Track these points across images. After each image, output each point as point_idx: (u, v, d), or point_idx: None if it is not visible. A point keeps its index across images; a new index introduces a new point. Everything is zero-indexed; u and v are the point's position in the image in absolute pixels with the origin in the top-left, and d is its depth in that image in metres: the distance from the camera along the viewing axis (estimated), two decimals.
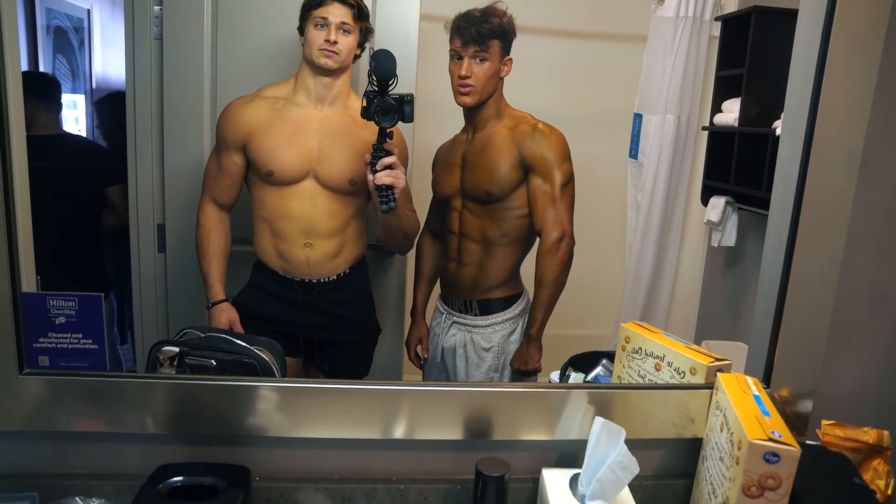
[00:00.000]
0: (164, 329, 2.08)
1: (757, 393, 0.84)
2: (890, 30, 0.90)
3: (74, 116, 3.08)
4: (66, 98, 2.88)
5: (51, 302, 0.82)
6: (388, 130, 1.44)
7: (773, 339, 0.95)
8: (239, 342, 1.11)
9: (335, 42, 1.54)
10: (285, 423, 0.92)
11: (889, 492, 0.89)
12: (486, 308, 1.73)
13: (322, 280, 1.67)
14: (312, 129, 1.61)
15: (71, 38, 3.29)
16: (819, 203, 0.94)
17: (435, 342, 1.83)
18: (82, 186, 2.43)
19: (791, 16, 2.03)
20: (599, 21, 2.59)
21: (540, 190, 1.62)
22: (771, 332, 0.95)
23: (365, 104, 1.42)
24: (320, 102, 1.61)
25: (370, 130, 1.47)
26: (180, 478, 0.82)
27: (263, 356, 1.09)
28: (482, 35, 1.56)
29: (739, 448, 0.75)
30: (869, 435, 0.90)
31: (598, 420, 0.86)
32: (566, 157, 1.63)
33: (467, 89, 1.60)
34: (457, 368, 1.77)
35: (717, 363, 0.94)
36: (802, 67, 0.95)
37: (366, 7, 1.60)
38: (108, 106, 2.71)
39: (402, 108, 1.42)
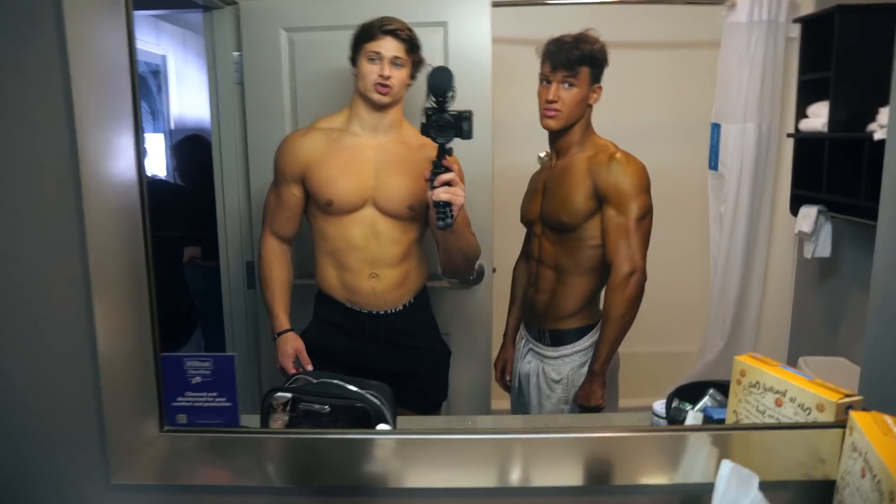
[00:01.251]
0: (255, 364, 2.15)
1: None
2: None
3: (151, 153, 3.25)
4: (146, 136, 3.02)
5: (187, 363, 0.87)
6: (446, 147, 1.45)
7: None
8: (350, 387, 1.13)
9: (388, 77, 1.57)
10: (404, 473, 0.94)
11: None
12: (557, 339, 1.72)
13: (389, 311, 1.69)
14: (368, 158, 1.64)
15: (150, 84, 3.48)
16: None
17: (515, 367, 1.84)
18: (168, 229, 2.54)
19: (879, 11, 1.93)
20: (671, 30, 2.56)
21: (613, 221, 1.59)
22: None
23: (424, 121, 1.44)
24: (374, 131, 1.65)
25: (424, 156, 1.50)
26: None
27: (375, 400, 1.11)
28: (571, 61, 1.56)
29: (892, 500, 0.72)
30: None
31: (727, 463, 0.84)
32: (643, 189, 1.59)
33: (553, 112, 1.60)
34: (530, 397, 1.77)
35: (846, 399, 0.90)
36: None
37: (418, 40, 1.61)
38: (186, 148, 2.81)
39: (460, 125, 1.43)
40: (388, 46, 1.57)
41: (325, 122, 1.70)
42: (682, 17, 2.52)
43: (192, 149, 2.69)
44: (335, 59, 1.95)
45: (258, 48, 2.00)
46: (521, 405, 1.83)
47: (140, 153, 0.86)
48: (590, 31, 1.59)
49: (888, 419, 0.85)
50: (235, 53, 2.03)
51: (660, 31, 2.57)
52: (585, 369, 1.69)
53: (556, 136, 1.66)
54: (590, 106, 1.62)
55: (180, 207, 2.59)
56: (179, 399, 0.88)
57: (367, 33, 1.57)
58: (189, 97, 3.69)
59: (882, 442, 0.79)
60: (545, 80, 1.61)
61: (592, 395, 1.64)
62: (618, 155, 1.60)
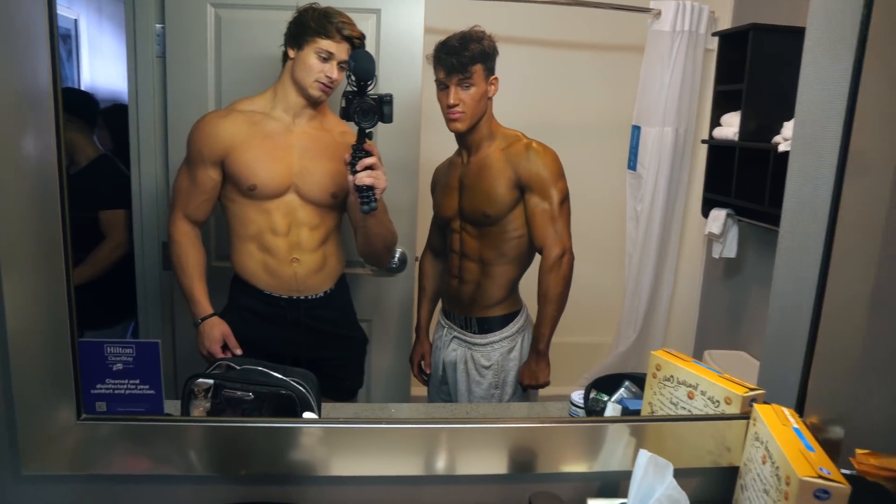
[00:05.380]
0: (169, 348, 2.07)
1: (797, 426, 0.88)
2: None
3: None
4: None
5: (108, 349, 0.83)
6: (367, 131, 1.44)
7: (805, 366, 0.98)
8: (275, 374, 1.12)
9: (335, 80, 1.56)
10: (332, 462, 0.93)
11: None
12: (485, 326, 1.77)
13: (310, 297, 1.68)
14: (292, 144, 1.62)
15: (60, 49, 3.26)
16: (849, 226, 0.93)
17: (436, 356, 1.87)
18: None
19: (789, 32, 2.04)
20: (597, 32, 2.63)
21: (538, 208, 1.65)
22: (804, 359, 0.98)
23: (344, 105, 1.42)
24: (298, 118, 1.62)
25: (347, 143, 1.48)
26: None
27: (300, 388, 1.10)
28: (463, 63, 1.58)
29: (788, 484, 0.79)
30: None
31: (644, 453, 0.89)
32: (561, 174, 1.66)
33: (457, 115, 1.62)
34: (458, 384, 1.81)
35: (751, 393, 0.97)
36: (818, 84, 0.95)
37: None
38: (117, 115, 2.62)
39: (382, 109, 1.42)
40: (343, 51, 1.54)
41: (245, 104, 1.64)
42: (610, 21, 2.59)
43: (115, 121, 2.50)
44: (265, 40, 1.90)
45: (182, 22, 1.91)
46: (442, 393, 1.85)
47: (59, 120, 0.81)
48: (475, 28, 1.61)
49: (786, 411, 0.92)
50: (157, 25, 1.93)
51: (587, 33, 2.64)
52: (513, 354, 1.75)
53: (464, 134, 1.68)
54: (490, 98, 1.65)
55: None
56: (99, 386, 0.84)
57: (323, 29, 1.52)
58: (103, 66, 3.48)
59: (781, 432, 0.86)
60: (442, 85, 1.62)
61: (540, 374, 1.71)
62: (534, 144, 1.66)
